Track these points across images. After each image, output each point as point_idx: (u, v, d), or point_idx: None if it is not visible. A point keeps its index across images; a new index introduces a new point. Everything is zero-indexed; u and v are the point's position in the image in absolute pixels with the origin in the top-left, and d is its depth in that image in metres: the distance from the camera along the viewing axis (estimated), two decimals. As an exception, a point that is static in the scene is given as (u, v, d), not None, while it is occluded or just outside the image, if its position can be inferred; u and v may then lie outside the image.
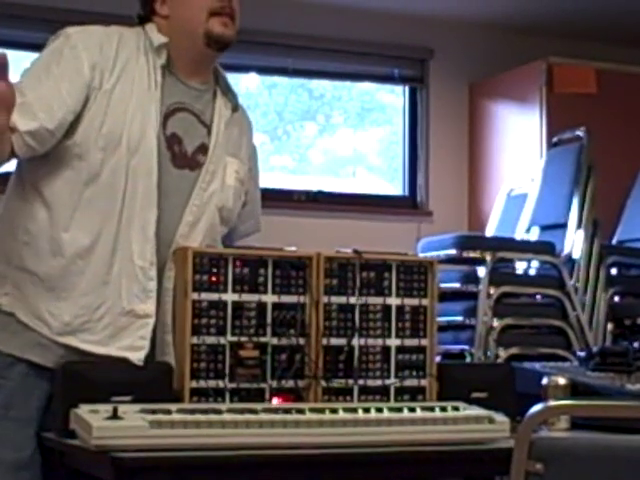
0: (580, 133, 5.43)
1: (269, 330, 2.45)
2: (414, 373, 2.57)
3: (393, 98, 6.79)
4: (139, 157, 2.46)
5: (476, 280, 4.85)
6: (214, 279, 2.41)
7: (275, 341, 2.45)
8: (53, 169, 2.47)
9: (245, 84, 6.15)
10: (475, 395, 2.52)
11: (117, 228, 2.45)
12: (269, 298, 2.46)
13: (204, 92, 2.61)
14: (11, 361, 2.48)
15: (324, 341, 2.49)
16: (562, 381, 2.67)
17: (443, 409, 2.31)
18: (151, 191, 2.47)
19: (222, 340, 2.40)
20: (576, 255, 5.04)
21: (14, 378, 2.47)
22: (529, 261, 5.11)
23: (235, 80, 5.31)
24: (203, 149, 2.58)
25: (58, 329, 2.44)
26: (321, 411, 2.21)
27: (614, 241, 5.59)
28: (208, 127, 2.60)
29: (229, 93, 2.67)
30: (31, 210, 2.50)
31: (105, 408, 2.10)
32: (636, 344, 3.15)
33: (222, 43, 2.57)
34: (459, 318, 4.87)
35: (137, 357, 2.41)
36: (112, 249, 2.45)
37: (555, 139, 5.74)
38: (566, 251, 5.05)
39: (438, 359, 2.71)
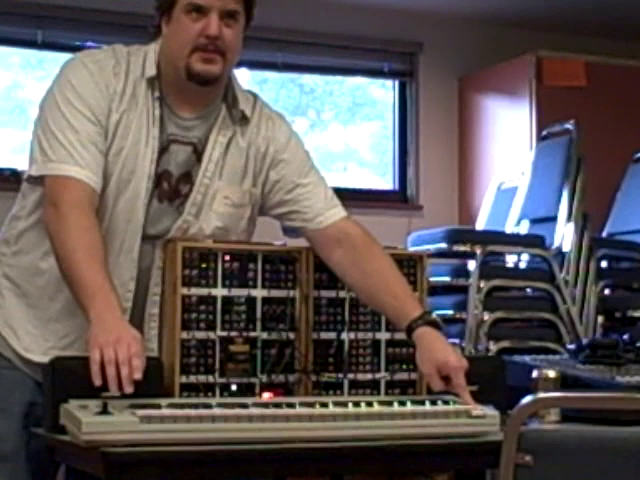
0: (569, 126, 5.43)
1: (259, 325, 2.45)
2: (404, 367, 2.57)
3: (384, 93, 6.79)
4: (124, 200, 2.43)
5: (466, 274, 4.85)
6: (203, 274, 2.41)
7: (265, 336, 2.45)
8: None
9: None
10: (465, 388, 2.52)
11: None
12: (259, 293, 2.46)
13: (201, 120, 2.51)
14: None
15: (314, 335, 2.49)
16: (552, 374, 2.67)
17: (433, 403, 2.31)
18: (133, 234, 2.44)
19: (212, 335, 2.40)
20: (566, 248, 5.05)
21: None
22: (519, 254, 5.11)
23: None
24: (186, 177, 2.49)
25: (25, 344, 2.46)
26: (311, 405, 2.20)
27: (604, 234, 5.59)
28: (200, 154, 2.51)
29: (234, 107, 2.53)
30: (24, 226, 2.52)
31: (95, 403, 2.10)
32: (626, 336, 3.16)
33: (203, 79, 2.44)
34: (449, 312, 4.88)
35: None
36: None
37: (545, 132, 5.74)
38: (556, 244, 5.05)
39: (428, 353, 2.71)
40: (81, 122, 2.40)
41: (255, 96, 2.61)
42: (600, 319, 5.02)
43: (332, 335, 2.51)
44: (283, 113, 2.67)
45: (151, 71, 2.47)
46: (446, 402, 2.32)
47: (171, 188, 2.49)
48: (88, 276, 2.27)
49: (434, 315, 2.44)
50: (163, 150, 2.48)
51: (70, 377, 2.23)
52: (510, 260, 5.15)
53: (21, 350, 2.47)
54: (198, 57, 2.42)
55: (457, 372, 2.33)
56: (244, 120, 2.54)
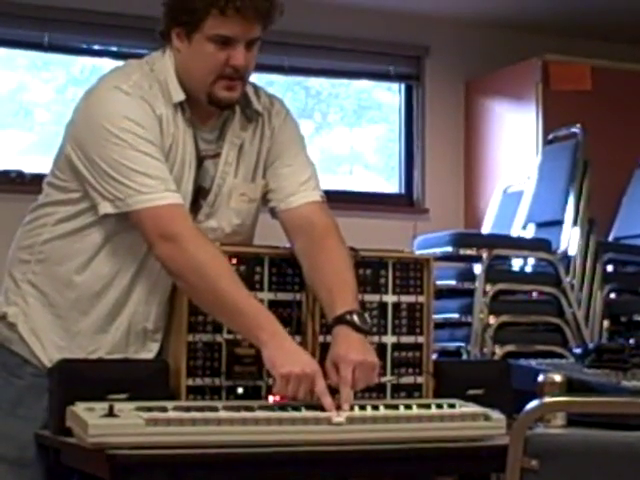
0: (576, 130, 5.43)
1: (265, 328, 2.44)
2: (410, 370, 2.57)
3: (390, 96, 6.79)
4: None
5: (472, 277, 4.85)
6: (210, 277, 2.41)
7: (271, 339, 2.45)
8: (89, 216, 2.46)
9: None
10: (471, 392, 2.52)
11: (130, 284, 2.46)
12: (265, 295, 2.46)
13: (219, 129, 2.52)
14: (22, 361, 2.48)
15: (320, 338, 2.48)
16: (558, 378, 2.66)
17: (439, 406, 2.31)
18: None
19: (218, 338, 2.40)
20: (572, 252, 5.05)
21: (26, 377, 2.47)
22: (525, 258, 5.11)
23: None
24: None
25: (51, 355, 2.45)
26: (317, 408, 2.21)
27: (610, 238, 5.59)
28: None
29: (247, 108, 2.54)
30: (51, 235, 2.49)
31: (101, 406, 2.10)
32: (632, 341, 3.16)
33: (225, 105, 2.47)
34: (455, 315, 4.88)
35: None
36: (120, 302, 2.46)
37: (551, 136, 5.74)
38: (562, 248, 5.05)
39: (434, 357, 2.71)
40: (148, 147, 2.38)
41: (255, 87, 2.60)
42: (606, 323, 5.02)
43: (338, 338, 2.50)
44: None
45: (178, 95, 2.45)
46: (452, 406, 2.32)
47: (205, 202, 2.50)
48: (243, 301, 2.30)
49: (356, 316, 2.35)
50: (198, 167, 2.49)
51: (76, 379, 2.24)
52: (516, 264, 5.15)
53: (46, 362, 2.45)
54: (222, 85, 2.43)
55: (346, 365, 2.29)
56: (257, 116, 2.56)
